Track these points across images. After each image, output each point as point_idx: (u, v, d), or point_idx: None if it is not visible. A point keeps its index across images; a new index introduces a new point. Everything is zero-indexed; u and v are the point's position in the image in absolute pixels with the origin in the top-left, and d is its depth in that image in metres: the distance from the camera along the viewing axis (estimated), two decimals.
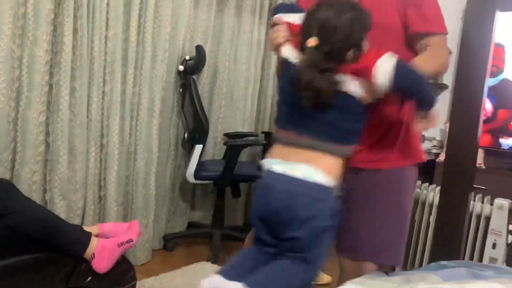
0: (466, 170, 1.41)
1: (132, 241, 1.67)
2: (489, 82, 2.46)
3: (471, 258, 2.22)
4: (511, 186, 2.45)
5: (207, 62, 2.71)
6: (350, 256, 1.35)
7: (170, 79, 2.56)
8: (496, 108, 2.57)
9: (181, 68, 2.57)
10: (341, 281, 1.33)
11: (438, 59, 1.30)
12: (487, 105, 2.57)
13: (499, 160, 2.74)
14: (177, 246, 2.68)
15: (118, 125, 2.27)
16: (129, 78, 2.30)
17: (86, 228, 1.68)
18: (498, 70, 2.55)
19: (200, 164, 2.62)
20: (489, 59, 1.40)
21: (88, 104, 2.15)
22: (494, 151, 2.73)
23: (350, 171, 1.26)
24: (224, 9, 2.83)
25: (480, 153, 2.70)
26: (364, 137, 1.26)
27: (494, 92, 2.55)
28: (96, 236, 1.66)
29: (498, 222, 2.11)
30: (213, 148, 2.93)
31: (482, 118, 1.46)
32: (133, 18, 2.26)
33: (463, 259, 2.21)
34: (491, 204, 2.17)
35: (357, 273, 1.29)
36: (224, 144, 2.71)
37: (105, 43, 2.18)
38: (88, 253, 1.56)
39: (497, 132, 2.60)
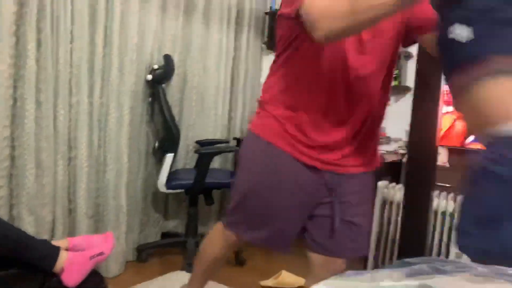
0: (427, 169, 1.47)
1: (104, 254, 1.65)
2: None
3: (439, 255, 2.29)
4: None
5: (176, 71, 2.72)
6: (337, 256, 1.41)
7: (138, 89, 2.55)
8: None
9: (150, 77, 2.56)
10: (315, 277, 1.37)
11: None
12: None
13: (463, 158, 2.83)
14: (150, 256, 2.66)
15: (86, 137, 2.25)
16: (96, 89, 2.28)
17: (55, 242, 1.66)
18: None
19: (172, 173, 2.62)
20: None
21: (54, 117, 2.12)
22: (458, 150, 2.82)
23: (340, 176, 1.35)
24: (192, 18, 2.84)
25: (445, 152, 2.79)
26: (353, 140, 1.33)
27: None
28: (66, 250, 1.63)
29: None
30: (185, 156, 2.93)
31: (441, 118, 1.52)
32: (98, 30, 2.24)
33: (431, 255, 2.28)
34: (455, 201, 2.25)
35: (331, 268, 1.38)
36: (195, 152, 2.72)
37: (71, 54, 2.16)
38: (58, 267, 1.54)
39: None
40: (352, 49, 1.25)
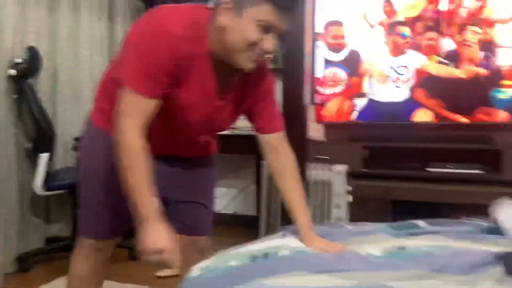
0: (298, 143, 1.58)
1: None
2: (340, 56, 2.76)
3: (323, 220, 2.49)
4: (348, 153, 2.79)
5: (44, 64, 2.52)
6: (200, 234, 1.45)
7: (0, 86, 2.32)
8: (350, 76, 2.84)
9: (13, 72, 2.34)
10: (184, 257, 1.38)
11: None
12: (343, 75, 2.82)
13: (338, 131, 3.08)
14: (34, 265, 2.48)
15: None
16: None
17: None
18: (344, 44, 2.82)
19: (51, 174, 2.45)
20: (306, 47, 1.58)
21: None
22: (334, 125, 3.05)
23: (177, 162, 1.37)
24: (57, 6, 2.65)
25: (321, 128, 3.00)
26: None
27: (346, 64, 2.82)
28: None
29: (338, 186, 2.41)
30: (64, 155, 2.75)
31: (309, 101, 1.64)
32: None
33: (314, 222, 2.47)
34: (331, 171, 2.45)
35: (195, 246, 1.43)
36: (74, 149, 2.57)
37: None
38: None
39: (354, 96, 2.88)
40: (195, 123, 1.25)
